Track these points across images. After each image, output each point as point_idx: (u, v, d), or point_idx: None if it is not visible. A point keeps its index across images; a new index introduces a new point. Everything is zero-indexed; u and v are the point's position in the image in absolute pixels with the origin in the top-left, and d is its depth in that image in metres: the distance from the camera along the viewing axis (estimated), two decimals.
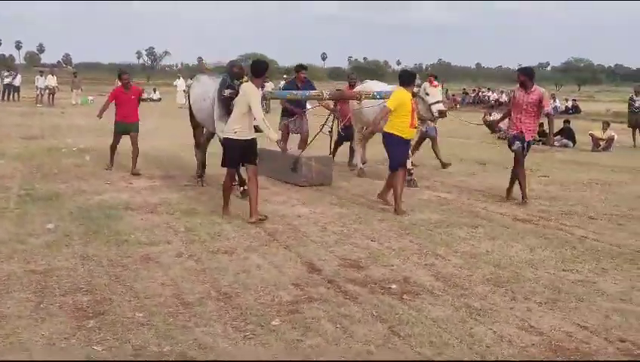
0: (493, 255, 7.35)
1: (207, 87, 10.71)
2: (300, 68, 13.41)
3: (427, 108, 11.71)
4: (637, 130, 21.43)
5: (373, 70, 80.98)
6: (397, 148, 9.45)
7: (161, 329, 5.04)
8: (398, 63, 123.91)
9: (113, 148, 12.67)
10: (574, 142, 21.09)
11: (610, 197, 11.27)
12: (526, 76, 10.29)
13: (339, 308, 5.59)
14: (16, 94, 38.27)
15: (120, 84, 12.87)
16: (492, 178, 13.15)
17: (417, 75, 10.90)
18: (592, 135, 20.66)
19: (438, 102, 11.76)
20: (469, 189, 11.78)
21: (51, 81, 36.76)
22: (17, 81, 38.74)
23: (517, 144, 10.26)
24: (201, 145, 11.45)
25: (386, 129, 9.54)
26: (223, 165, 8.90)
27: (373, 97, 11.72)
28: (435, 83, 11.80)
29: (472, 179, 13.18)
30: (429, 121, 12.67)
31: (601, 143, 20.17)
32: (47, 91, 36.01)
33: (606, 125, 21.22)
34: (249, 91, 8.45)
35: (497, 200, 10.72)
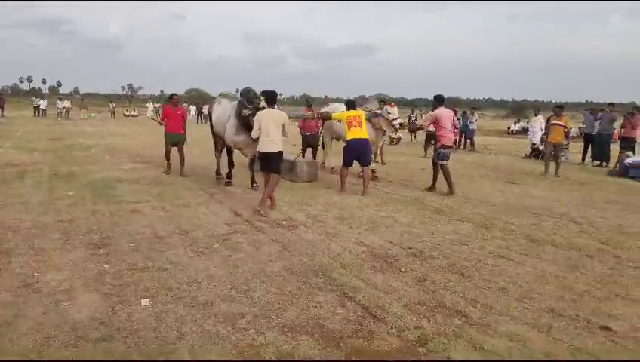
0: (340, 203, 7.42)
1: (225, 107, 8.55)
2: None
3: (389, 122, 9.56)
4: (413, 133, 21.84)
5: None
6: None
7: (145, 253, 4.84)
8: (281, 95, 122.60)
9: (167, 154, 9.65)
10: None
11: (400, 170, 11.65)
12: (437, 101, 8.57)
13: (253, 236, 5.54)
14: (43, 112, 35.71)
15: (169, 103, 9.89)
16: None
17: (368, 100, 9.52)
18: (389, 136, 20.81)
19: (397, 118, 9.66)
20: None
21: (67, 103, 34.48)
22: (44, 105, 36.55)
23: (443, 154, 8.41)
24: (219, 151, 9.18)
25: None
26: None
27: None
28: (393, 105, 9.89)
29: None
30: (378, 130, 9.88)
31: (394, 140, 20.35)
32: (64, 110, 33.64)
33: (396, 130, 21.59)
34: (277, 115, 6.82)
35: (354, 176, 9.13)
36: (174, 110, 9.65)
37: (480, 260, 4.90)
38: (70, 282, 4.06)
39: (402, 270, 4.57)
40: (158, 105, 41.80)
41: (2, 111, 31.69)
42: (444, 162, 8.43)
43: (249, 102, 7.53)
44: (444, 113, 8.52)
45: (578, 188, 9.55)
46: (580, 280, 4.44)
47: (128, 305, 3.66)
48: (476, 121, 18.70)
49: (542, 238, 5.75)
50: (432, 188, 8.64)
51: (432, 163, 8.77)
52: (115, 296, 3.81)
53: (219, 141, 9.04)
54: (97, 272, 4.29)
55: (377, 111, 9.58)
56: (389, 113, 9.56)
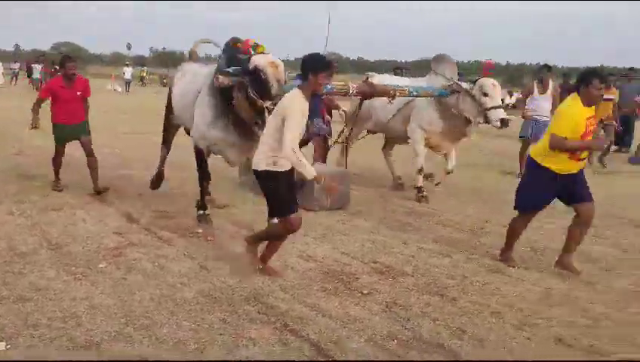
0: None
1: (194, 80, 6.53)
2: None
3: (483, 109, 7.36)
4: None
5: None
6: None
7: None
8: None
9: (57, 160, 7.76)
10: None
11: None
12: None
13: (155, 250, 5.51)
14: None
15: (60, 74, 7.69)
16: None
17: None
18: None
19: (498, 106, 7.37)
20: None
21: None
22: None
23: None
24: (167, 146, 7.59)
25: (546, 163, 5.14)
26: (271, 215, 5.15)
27: (410, 95, 7.63)
28: (495, 83, 7.51)
29: None
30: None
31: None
32: None
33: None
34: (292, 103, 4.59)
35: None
36: (68, 85, 7.45)
37: None
38: None
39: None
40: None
41: None
42: None
43: (232, 63, 5.74)
44: None
45: None
46: None
47: None
48: None
49: None
50: None
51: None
52: None
53: (172, 132, 7.61)
54: None
55: (463, 84, 7.67)
56: (484, 95, 7.35)
